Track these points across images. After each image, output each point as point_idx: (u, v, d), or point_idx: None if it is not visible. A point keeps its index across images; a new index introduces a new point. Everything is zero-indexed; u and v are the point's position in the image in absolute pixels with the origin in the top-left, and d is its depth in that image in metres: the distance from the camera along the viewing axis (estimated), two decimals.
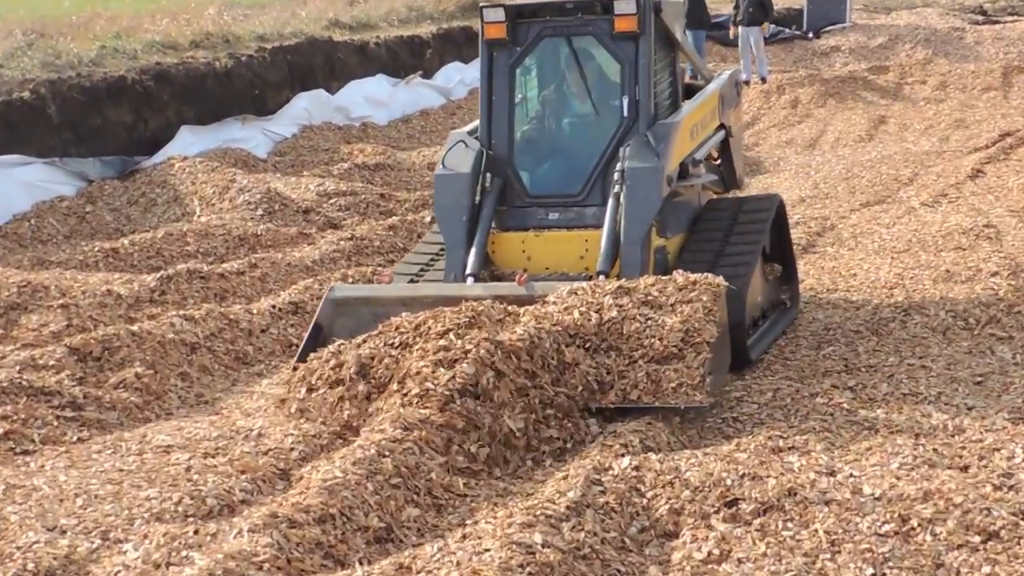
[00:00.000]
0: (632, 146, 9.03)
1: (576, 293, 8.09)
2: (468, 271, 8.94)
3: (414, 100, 22.03)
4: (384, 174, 17.28)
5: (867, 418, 7.84)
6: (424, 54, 23.17)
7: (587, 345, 7.78)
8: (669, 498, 6.51)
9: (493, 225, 9.30)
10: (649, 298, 7.94)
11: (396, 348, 7.70)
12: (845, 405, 8.13)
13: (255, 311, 10.76)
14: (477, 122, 9.69)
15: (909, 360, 9.03)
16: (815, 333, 9.96)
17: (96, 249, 13.20)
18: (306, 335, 8.72)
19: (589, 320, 7.82)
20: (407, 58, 22.67)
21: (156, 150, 16.93)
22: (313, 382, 8.00)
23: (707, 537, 6.12)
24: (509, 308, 8.05)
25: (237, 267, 12.22)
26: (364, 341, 7.96)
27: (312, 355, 8.29)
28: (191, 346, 9.89)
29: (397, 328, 7.90)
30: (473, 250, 9.02)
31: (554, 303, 8.04)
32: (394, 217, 14.54)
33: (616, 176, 8.98)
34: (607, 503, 6.40)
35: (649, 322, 7.80)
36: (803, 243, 12.95)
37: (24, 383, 8.78)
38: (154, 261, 13.04)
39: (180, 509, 6.53)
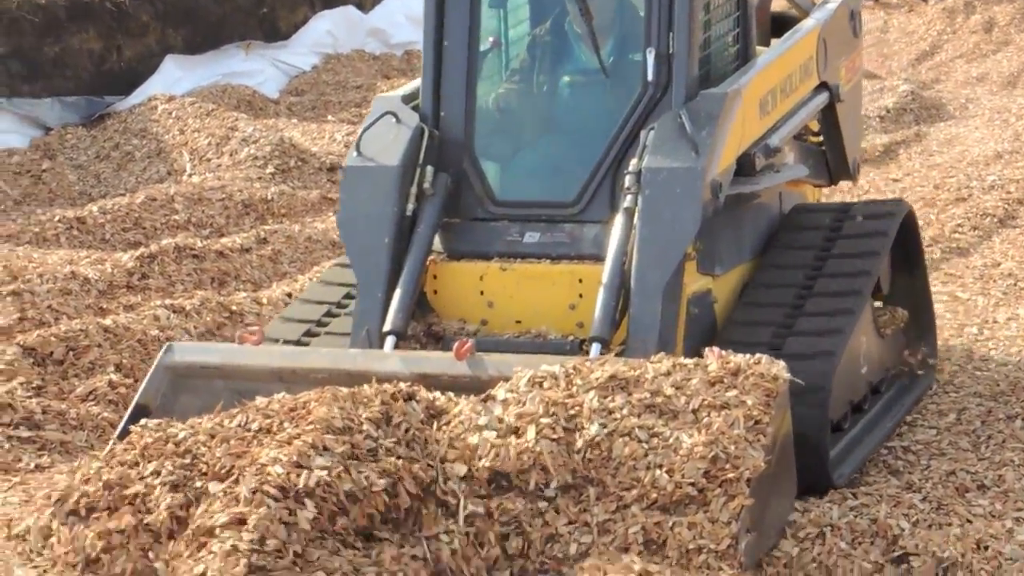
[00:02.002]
0: (658, 131, 7.58)
1: (540, 385, 6.59)
2: (388, 327, 7.52)
3: None
4: None
5: None
6: None
7: (545, 485, 6.31)
8: (818, 554, 6.53)
9: (436, 249, 7.98)
10: (659, 398, 6.43)
11: (251, 432, 6.47)
12: None
13: (265, 300, 10.90)
14: (417, 81, 8.36)
15: None
16: (1015, 336, 9.96)
17: (56, 219, 13.42)
18: (123, 419, 7.45)
19: (554, 439, 6.32)
20: None
21: (133, 88, 17.14)
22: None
23: None
24: (438, 402, 6.70)
25: (241, 243, 12.36)
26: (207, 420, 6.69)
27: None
28: None
29: (262, 410, 6.63)
30: (398, 292, 7.61)
31: (503, 402, 6.53)
32: None
33: (628, 180, 7.53)
34: None
35: (655, 440, 6.29)
36: (1000, 214, 12.89)
37: None
38: (132, 235, 13.24)
39: None
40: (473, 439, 6.33)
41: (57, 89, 16.59)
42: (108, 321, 10.02)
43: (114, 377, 9.36)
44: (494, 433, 6.33)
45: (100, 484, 6.43)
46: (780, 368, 6.49)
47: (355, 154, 7.96)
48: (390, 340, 7.46)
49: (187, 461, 6.31)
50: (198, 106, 16.42)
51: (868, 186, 14.30)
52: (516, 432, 6.31)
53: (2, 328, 10.29)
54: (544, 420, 6.32)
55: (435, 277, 7.90)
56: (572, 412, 6.38)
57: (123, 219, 13.44)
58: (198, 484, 6.16)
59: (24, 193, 14.85)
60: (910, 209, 8.91)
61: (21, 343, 9.65)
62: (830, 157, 9.59)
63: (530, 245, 7.87)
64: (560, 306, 7.64)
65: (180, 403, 7.28)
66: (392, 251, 7.72)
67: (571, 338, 7.48)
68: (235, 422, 6.48)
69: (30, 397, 9.01)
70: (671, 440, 6.26)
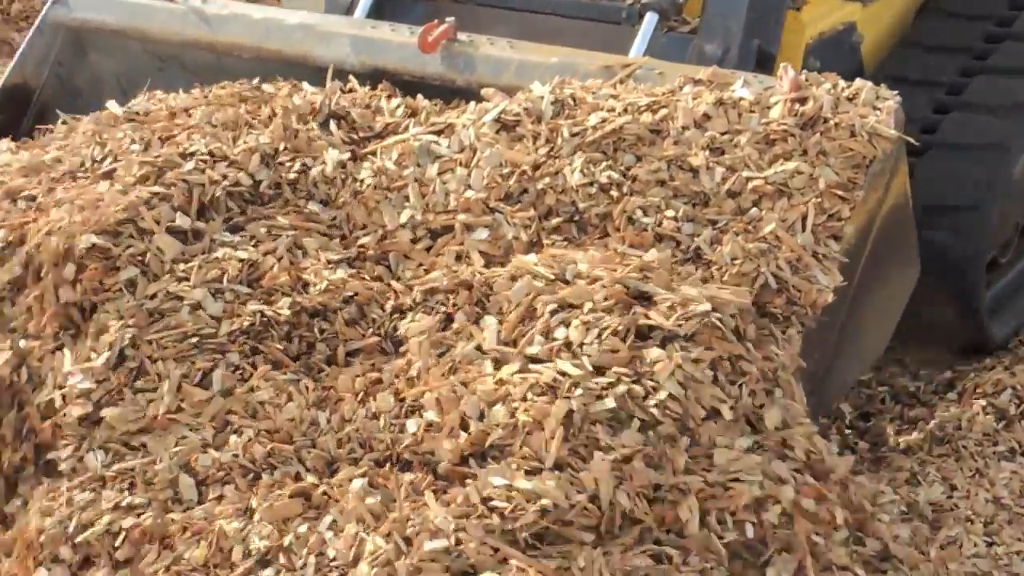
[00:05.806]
0: None
1: (511, 132, 4.21)
2: None
3: None
4: None
5: None
6: None
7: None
8: None
9: None
10: (682, 173, 3.97)
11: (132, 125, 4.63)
12: None
13: None
14: None
15: None
16: None
17: None
18: None
19: (490, 243, 4.03)
20: None
21: None
22: None
23: None
24: (394, 110, 4.56)
25: None
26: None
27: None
28: None
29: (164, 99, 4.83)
30: None
31: (458, 152, 4.25)
32: None
33: None
34: None
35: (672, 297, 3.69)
36: None
37: None
38: None
39: None
40: (396, 217, 4.14)
41: None
42: None
43: None
44: (417, 214, 4.11)
45: None
46: (887, 111, 3.90)
47: None
48: None
49: (55, 155, 4.59)
50: None
51: None
52: (447, 227, 4.07)
53: None
54: (483, 216, 4.03)
55: None
56: (541, 186, 4.03)
57: None
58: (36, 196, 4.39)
59: None
60: None
61: None
62: None
63: None
64: None
65: (90, 63, 5.55)
66: None
67: (630, 2, 4.81)
68: (139, 106, 4.81)
69: None
70: (693, 247, 3.85)
